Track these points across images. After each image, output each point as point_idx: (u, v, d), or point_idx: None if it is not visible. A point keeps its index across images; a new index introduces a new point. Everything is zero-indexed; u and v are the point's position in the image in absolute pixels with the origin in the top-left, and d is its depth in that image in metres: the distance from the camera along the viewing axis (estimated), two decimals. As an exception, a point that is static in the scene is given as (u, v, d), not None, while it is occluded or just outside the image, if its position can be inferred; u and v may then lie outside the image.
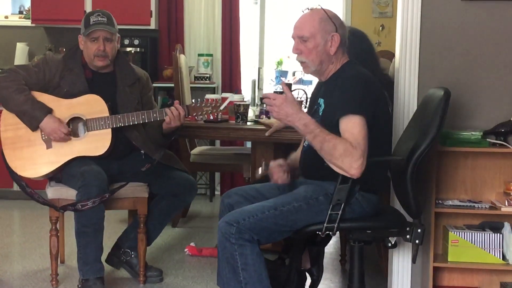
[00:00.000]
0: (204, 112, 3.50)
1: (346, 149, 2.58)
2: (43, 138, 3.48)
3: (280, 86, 5.08)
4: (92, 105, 3.48)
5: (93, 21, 3.54)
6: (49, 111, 3.44)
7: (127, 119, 3.45)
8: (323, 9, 2.82)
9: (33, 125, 3.45)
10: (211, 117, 3.61)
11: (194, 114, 3.50)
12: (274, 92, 4.29)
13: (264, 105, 4.03)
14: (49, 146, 3.48)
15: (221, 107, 3.50)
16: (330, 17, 2.79)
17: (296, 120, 2.66)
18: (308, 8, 2.84)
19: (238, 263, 2.63)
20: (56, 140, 3.45)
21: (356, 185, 2.69)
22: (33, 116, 3.42)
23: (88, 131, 3.47)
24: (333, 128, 2.66)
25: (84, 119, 3.47)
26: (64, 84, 3.53)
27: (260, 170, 2.92)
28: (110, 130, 3.46)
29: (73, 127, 3.49)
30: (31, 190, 3.51)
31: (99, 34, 3.54)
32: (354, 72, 2.77)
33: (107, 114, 3.47)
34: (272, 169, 2.97)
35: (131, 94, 3.64)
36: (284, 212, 2.69)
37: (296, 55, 2.84)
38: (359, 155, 2.57)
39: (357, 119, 2.62)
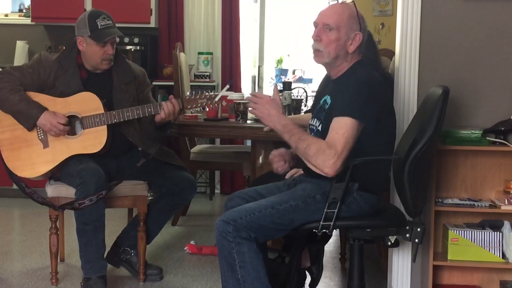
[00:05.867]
0: (199, 105, 3.48)
1: (319, 148, 2.61)
2: (40, 137, 3.47)
3: (279, 84, 5.08)
4: (87, 102, 3.47)
5: (102, 25, 3.47)
6: (44, 109, 3.43)
7: (122, 115, 3.44)
8: (355, 7, 2.81)
9: (30, 124, 3.43)
10: (207, 109, 3.58)
11: (189, 106, 3.50)
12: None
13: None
14: (46, 145, 3.47)
15: (216, 99, 3.48)
16: (358, 17, 2.78)
17: (276, 121, 2.72)
18: (337, 0, 2.84)
19: (236, 261, 2.63)
20: (56, 134, 3.44)
21: (354, 184, 2.69)
22: (29, 115, 3.41)
23: (84, 129, 3.47)
24: None
25: (80, 117, 3.47)
26: (59, 84, 3.52)
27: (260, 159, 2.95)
28: (105, 127, 3.45)
29: (69, 126, 3.48)
30: (30, 190, 3.50)
31: (112, 41, 3.51)
32: (362, 75, 2.74)
33: (102, 111, 3.46)
34: (273, 158, 3.00)
35: (127, 92, 3.62)
36: (281, 211, 2.69)
37: (314, 41, 2.80)
38: (332, 154, 2.58)
39: (348, 121, 2.62)
